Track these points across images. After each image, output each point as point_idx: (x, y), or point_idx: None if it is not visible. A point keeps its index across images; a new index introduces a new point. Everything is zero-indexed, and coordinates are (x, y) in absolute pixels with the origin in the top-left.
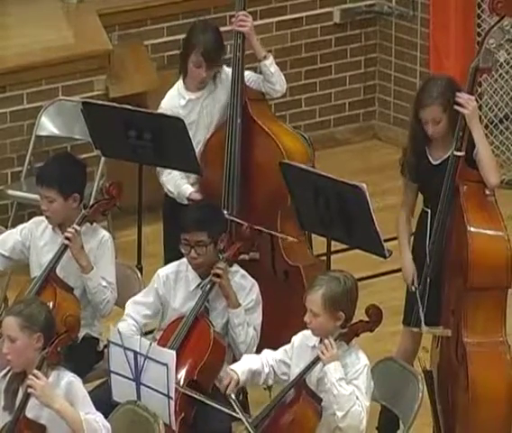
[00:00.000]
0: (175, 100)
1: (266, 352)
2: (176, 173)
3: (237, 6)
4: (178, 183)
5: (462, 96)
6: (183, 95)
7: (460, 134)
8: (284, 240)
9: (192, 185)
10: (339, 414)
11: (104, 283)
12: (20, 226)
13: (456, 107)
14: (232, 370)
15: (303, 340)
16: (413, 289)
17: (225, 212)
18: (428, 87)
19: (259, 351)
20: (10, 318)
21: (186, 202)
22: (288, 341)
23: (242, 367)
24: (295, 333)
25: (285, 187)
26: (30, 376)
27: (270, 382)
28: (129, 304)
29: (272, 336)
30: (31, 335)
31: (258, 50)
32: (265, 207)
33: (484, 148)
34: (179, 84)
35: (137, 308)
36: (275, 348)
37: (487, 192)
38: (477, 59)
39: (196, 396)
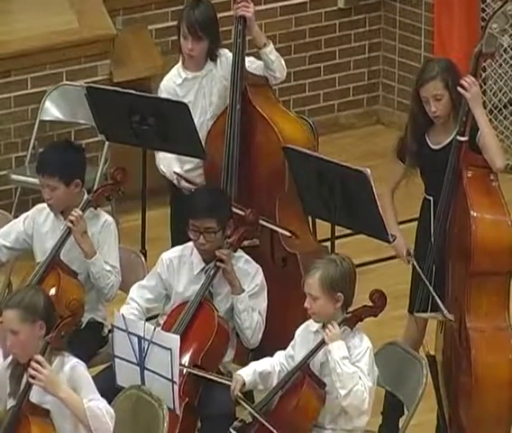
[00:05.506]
0: (172, 79)
1: (277, 353)
2: (169, 156)
3: None
4: (171, 168)
5: (466, 79)
6: (180, 73)
7: (463, 119)
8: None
9: (188, 171)
10: (342, 392)
11: (107, 268)
12: (23, 216)
13: (459, 89)
14: (237, 374)
15: (305, 328)
16: (408, 260)
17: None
18: (428, 65)
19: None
20: (9, 312)
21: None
22: (286, 330)
23: (247, 370)
24: (292, 322)
25: (281, 174)
26: (32, 364)
27: None
28: (133, 288)
29: (270, 325)
30: (32, 324)
31: (258, 37)
32: (263, 194)
33: (488, 131)
34: (179, 64)
35: (140, 292)
36: (273, 337)
37: (491, 177)
38: (480, 44)
39: (202, 374)
